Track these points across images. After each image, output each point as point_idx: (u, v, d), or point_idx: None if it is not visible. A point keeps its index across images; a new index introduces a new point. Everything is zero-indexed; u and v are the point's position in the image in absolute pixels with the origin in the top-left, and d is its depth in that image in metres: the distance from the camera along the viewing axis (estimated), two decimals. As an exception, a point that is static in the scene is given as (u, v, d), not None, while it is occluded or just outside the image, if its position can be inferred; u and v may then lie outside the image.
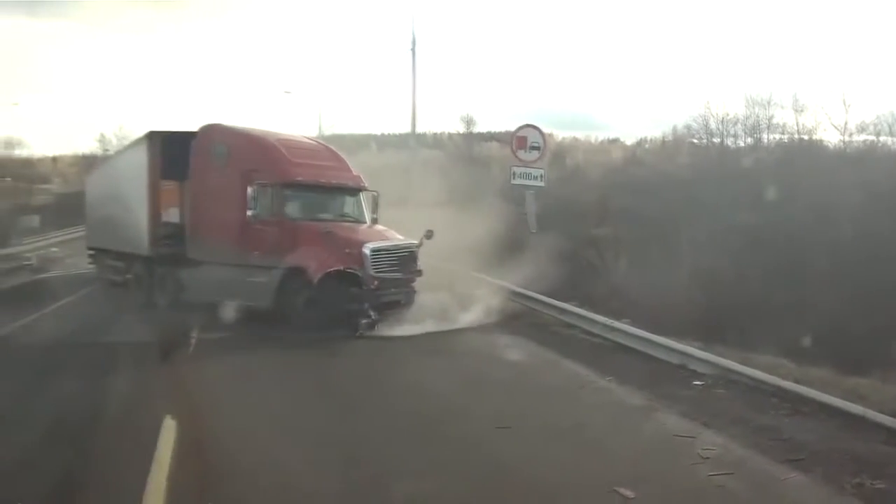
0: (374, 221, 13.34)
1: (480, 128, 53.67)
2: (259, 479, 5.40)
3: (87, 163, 51.38)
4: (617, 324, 10.75)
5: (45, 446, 6.12)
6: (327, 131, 35.44)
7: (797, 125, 44.02)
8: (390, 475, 5.45)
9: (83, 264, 22.18)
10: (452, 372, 9.31)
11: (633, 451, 6.18)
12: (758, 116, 44.58)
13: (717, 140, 46.13)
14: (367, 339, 11.11)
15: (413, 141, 26.23)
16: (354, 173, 13.55)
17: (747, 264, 25.35)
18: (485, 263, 13.60)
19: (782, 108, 45.54)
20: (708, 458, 5.84)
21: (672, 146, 49.38)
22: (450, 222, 13.65)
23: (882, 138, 41.71)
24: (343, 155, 14.02)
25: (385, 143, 47.36)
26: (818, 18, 71.77)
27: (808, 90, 73.87)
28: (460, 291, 12.80)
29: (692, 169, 41.70)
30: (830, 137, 44.28)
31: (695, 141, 47.42)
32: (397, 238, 12.55)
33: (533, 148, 15.04)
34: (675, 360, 9.16)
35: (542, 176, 15.13)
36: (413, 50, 25.01)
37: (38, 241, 41.18)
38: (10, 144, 54.32)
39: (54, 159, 59.27)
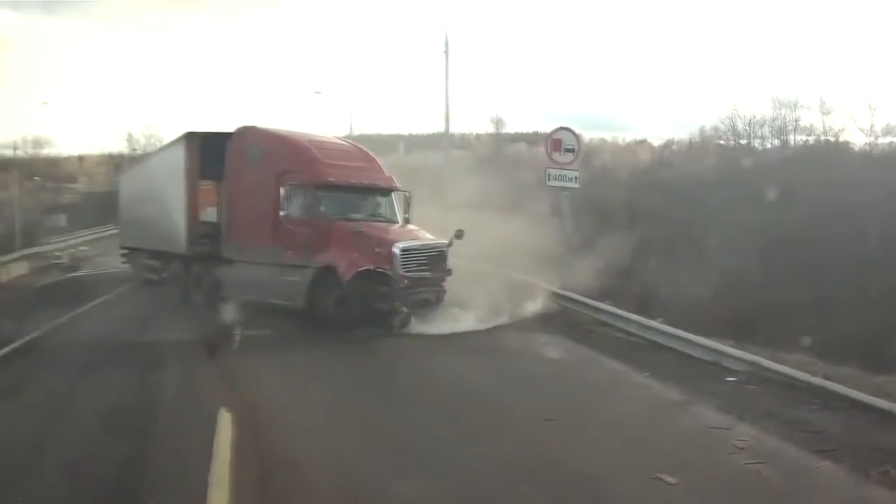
0: (407, 221, 13.35)
1: (508, 129, 53.64)
2: (321, 468, 5.65)
3: (115, 162, 51.47)
4: (651, 322, 10.97)
5: (108, 439, 6.35)
6: (357, 131, 35.76)
7: (823, 127, 43.88)
8: (444, 463, 5.80)
9: (114, 263, 22.17)
10: (494, 368, 9.50)
11: (672, 441, 6.49)
12: (784, 118, 44.50)
13: (744, 142, 45.88)
14: (405, 337, 11.24)
15: (447, 142, 26.43)
16: (386, 174, 13.64)
17: (774, 264, 25.49)
18: (519, 264, 13.62)
19: (809, 109, 45.18)
20: (743, 448, 6.13)
21: (699, 147, 49.12)
22: (483, 223, 13.73)
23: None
24: (374, 155, 14.10)
25: (413, 143, 47.24)
26: (843, 21, 71.11)
27: (834, 92, 72.87)
28: (495, 291, 12.69)
29: (718, 171, 41.51)
30: (856, 139, 44.06)
31: (722, 142, 47.15)
32: (427, 237, 12.58)
33: (567, 150, 15.08)
34: (708, 357, 9.41)
35: (576, 178, 15.15)
36: (446, 52, 25.07)
37: (67, 239, 41.90)
38: (38, 144, 54.71)
39: (81, 158, 59.39)
